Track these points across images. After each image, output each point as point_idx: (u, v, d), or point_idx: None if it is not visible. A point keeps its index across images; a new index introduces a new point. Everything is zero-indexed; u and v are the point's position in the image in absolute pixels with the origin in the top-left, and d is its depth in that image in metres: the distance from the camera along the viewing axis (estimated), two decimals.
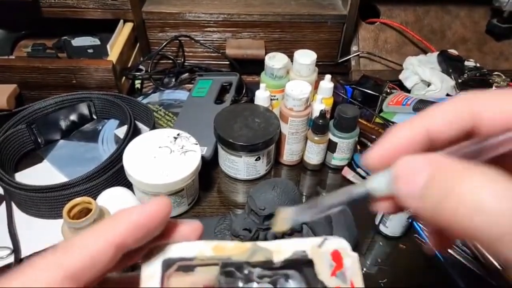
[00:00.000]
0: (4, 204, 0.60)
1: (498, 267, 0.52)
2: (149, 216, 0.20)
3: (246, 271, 0.22)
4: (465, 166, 0.17)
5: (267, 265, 0.22)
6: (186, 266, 0.21)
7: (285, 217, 0.22)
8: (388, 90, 0.79)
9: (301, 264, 0.22)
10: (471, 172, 0.16)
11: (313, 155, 0.67)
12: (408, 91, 0.82)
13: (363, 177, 0.66)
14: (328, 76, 0.68)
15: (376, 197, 0.20)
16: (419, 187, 0.17)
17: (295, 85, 0.63)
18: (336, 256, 0.21)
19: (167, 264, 0.21)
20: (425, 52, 0.89)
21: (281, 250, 0.22)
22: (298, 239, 0.22)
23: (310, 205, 0.22)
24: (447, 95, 0.78)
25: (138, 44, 0.87)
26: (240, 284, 0.22)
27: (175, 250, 0.21)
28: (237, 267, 0.22)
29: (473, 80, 0.79)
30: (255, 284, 0.22)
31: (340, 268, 0.21)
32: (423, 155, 0.18)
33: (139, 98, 0.80)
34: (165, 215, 0.21)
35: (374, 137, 0.70)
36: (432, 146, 0.20)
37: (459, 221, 0.16)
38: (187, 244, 0.22)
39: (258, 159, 0.63)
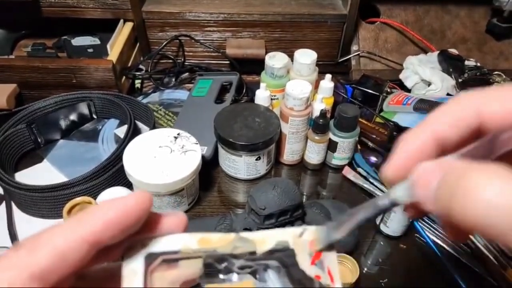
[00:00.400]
0: (4, 204, 0.60)
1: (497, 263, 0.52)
2: (126, 212, 0.19)
3: (226, 263, 0.22)
4: (470, 164, 0.17)
5: (251, 256, 0.22)
6: (170, 260, 0.21)
7: (316, 238, 0.22)
8: (389, 90, 0.79)
9: (284, 254, 0.22)
10: (476, 168, 0.16)
11: (314, 155, 0.67)
12: (409, 90, 0.82)
13: (364, 177, 0.66)
14: (328, 76, 0.68)
15: (401, 205, 0.21)
16: (433, 190, 0.18)
17: (295, 84, 0.63)
18: (314, 245, 0.22)
19: (150, 259, 0.20)
20: (425, 51, 0.89)
21: (264, 240, 0.22)
22: (281, 229, 0.22)
23: (338, 223, 0.22)
24: (448, 94, 0.78)
25: (138, 44, 0.87)
26: (221, 276, 0.22)
27: (159, 244, 0.21)
28: (218, 259, 0.22)
29: (473, 80, 0.79)
30: (235, 276, 0.22)
31: (319, 257, 0.21)
32: (436, 160, 0.19)
33: (139, 98, 0.80)
34: (145, 210, 0.19)
35: (374, 136, 0.70)
36: (444, 149, 0.20)
37: (469, 216, 0.16)
38: (172, 237, 0.21)
39: (258, 158, 0.63)
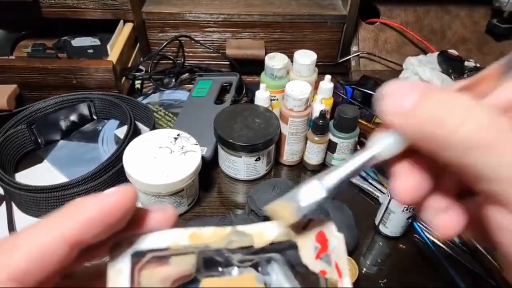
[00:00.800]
0: (4, 204, 0.60)
1: (498, 266, 0.52)
2: (108, 209, 0.18)
3: (226, 255, 0.21)
4: (469, 99, 0.17)
5: (248, 250, 0.20)
6: (160, 257, 0.20)
7: (290, 208, 0.20)
8: None
9: (285, 247, 0.21)
10: (480, 109, 0.17)
11: (313, 156, 0.67)
12: None
13: (363, 177, 0.66)
14: (328, 77, 0.68)
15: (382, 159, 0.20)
16: (407, 105, 0.18)
17: (295, 85, 0.63)
18: (321, 238, 0.20)
19: (138, 256, 0.19)
20: (425, 52, 0.89)
21: (263, 233, 0.20)
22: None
23: (325, 174, 0.20)
24: None
25: (138, 45, 0.87)
26: (220, 269, 0.21)
27: (147, 241, 0.20)
28: (216, 252, 0.21)
29: None
30: (235, 269, 0.21)
31: (325, 251, 0.20)
32: (409, 82, 0.19)
33: (139, 99, 0.80)
34: (129, 206, 0.18)
35: None
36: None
37: (460, 146, 0.17)
38: (160, 234, 0.20)
39: (258, 159, 0.63)
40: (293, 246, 0.20)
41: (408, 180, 0.20)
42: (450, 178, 0.21)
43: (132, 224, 0.20)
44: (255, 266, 0.21)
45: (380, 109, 0.19)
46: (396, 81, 0.19)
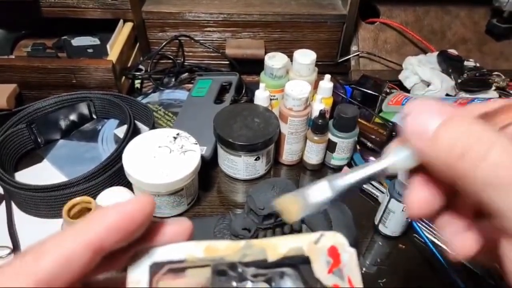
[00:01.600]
0: (4, 203, 0.60)
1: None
2: (127, 217, 0.19)
3: (240, 270, 0.21)
4: (492, 133, 0.17)
5: (262, 263, 0.21)
6: (177, 269, 0.20)
7: (298, 204, 0.21)
8: (388, 90, 0.79)
9: (297, 262, 0.21)
10: (485, 127, 0.17)
11: (313, 155, 0.67)
12: (408, 91, 0.82)
13: None
14: (327, 76, 0.68)
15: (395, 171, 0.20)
16: (431, 129, 0.18)
17: (294, 85, 0.63)
18: (333, 252, 0.21)
19: (156, 268, 0.20)
20: (425, 52, 0.89)
21: (276, 247, 0.21)
22: (295, 235, 0.21)
23: (319, 188, 0.20)
24: (447, 95, 0.78)
25: (138, 44, 0.87)
26: (234, 283, 0.21)
27: (164, 253, 0.20)
28: (230, 266, 0.21)
29: (472, 80, 0.79)
30: (249, 283, 0.21)
31: (337, 265, 0.20)
32: (436, 104, 0.19)
33: (139, 98, 0.80)
34: (147, 214, 0.19)
35: (373, 137, 0.70)
36: None
37: (479, 180, 0.17)
38: (177, 246, 0.21)
39: (257, 159, 0.63)
40: (306, 261, 0.21)
41: (421, 194, 0.20)
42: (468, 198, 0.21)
43: (149, 236, 0.20)
44: (269, 281, 0.21)
45: (403, 127, 0.19)
46: (422, 99, 0.19)
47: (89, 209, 0.47)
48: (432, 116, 0.18)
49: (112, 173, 0.59)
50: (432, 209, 0.20)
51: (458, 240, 0.21)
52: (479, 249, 0.20)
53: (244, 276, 0.21)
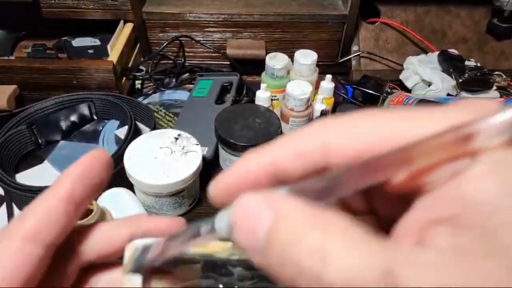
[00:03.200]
0: (4, 205, 0.60)
1: None
2: (88, 165, 0.21)
3: (225, 271, 0.21)
4: (313, 213, 0.14)
5: (250, 262, 0.21)
6: (168, 265, 0.21)
7: (133, 254, 0.20)
8: (389, 90, 0.79)
9: None
10: (320, 221, 0.13)
11: None
12: (409, 91, 0.82)
13: None
14: (328, 76, 0.68)
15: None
16: (260, 240, 0.14)
17: (296, 85, 0.63)
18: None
19: (148, 264, 0.20)
20: (425, 52, 0.89)
21: None
22: None
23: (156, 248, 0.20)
24: (448, 94, 0.78)
25: (138, 45, 0.87)
26: (220, 286, 0.22)
27: (156, 248, 0.20)
28: (217, 267, 0.21)
29: (473, 80, 0.79)
30: (236, 283, 0.22)
31: None
32: (265, 194, 0.15)
33: (140, 99, 0.80)
34: (103, 159, 0.21)
35: None
36: (282, 180, 0.17)
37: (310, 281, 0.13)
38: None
39: None
40: None
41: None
42: None
43: (143, 231, 0.21)
44: (254, 283, 0.22)
45: (234, 238, 0.15)
46: (248, 194, 0.15)
47: (90, 211, 0.47)
48: (258, 215, 0.14)
49: (113, 174, 0.59)
50: None
51: None
52: None
53: (231, 283, 0.21)
